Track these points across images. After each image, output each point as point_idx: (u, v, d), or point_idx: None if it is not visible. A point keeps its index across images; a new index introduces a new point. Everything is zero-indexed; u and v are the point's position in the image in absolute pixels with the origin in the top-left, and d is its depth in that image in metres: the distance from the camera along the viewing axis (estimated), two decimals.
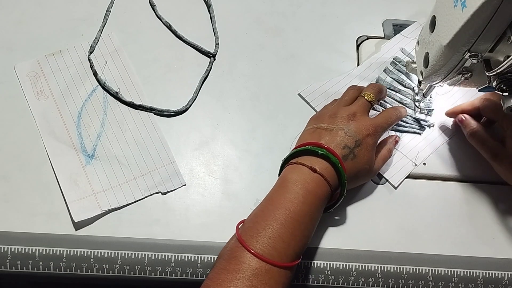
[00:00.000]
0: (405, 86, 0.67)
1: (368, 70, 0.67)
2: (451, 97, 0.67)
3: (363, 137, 0.54)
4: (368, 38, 0.71)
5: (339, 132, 0.54)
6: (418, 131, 0.64)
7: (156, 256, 0.54)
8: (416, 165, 0.62)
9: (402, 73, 0.67)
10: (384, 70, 0.67)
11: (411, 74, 0.67)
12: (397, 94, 0.66)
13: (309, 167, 0.51)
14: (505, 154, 0.58)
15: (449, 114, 0.64)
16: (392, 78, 0.67)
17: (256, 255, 0.46)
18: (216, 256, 0.54)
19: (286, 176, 0.52)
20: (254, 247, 0.46)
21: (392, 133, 0.63)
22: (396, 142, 0.62)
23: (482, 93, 0.60)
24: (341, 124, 0.55)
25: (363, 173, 0.55)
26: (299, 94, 0.65)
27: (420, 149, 0.63)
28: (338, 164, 0.52)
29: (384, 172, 0.61)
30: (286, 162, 0.55)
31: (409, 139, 0.64)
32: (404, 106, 0.63)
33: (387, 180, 0.61)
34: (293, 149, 0.55)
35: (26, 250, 0.54)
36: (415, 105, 0.65)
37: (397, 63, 0.68)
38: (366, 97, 0.58)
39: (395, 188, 0.61)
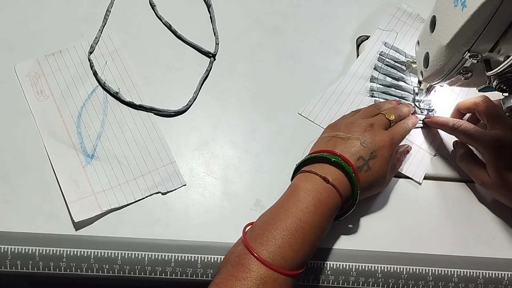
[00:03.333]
0: (398, 80, 0.67)
1: (359, 71, 0.67)
2: (451, 95, 0.67)
3: (378, 149, 0.54)
4: (368, 38, 0.71)
5: (355, 142, 0.53)
6: (421, 124, 0.65)
7: (156, 256, 0.54)
8: (433, 155, 0.62)
9: (391, 67, 0.67)
10: (375, 68, 0.67)
11: (401, 65, 0.68)
12: (394, 89, 0.66)
13: (322, 176, 0.51)
14: (490, 182, 0.57)
15: (432, 123, 0.64)
16: (384, 74, 0.67)
17: (265, 264, 0.46)
18: (216, 256, 0.55)
19: (298, 184, 0.51)
20: (263, 255, 0.46)
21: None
22: (408, 151, 0.62)
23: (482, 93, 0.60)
24: (358, 134, 0.54)
25: (376, 185, 0.55)
26: (299, 114, 0.64)
27: (430, 140, 0.64)
28: (352, 174, 0.51)
29: (404, 170, 0.61)
30: (299, 168, 0.54)
31: (416, 133, 0.64)
32: (416, 116, 0.63)
33: (410, 178, 0.61)
34: (307, 155, 0.54)
35: (26, 250, 0.54)
36: (415, 105, 0.65)
37: (384, 58, 0.68)
38: (386, 116, 0.58)
39: (420, 184, 0.61)
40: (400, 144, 0.59)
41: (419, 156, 0.63)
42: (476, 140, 0.58)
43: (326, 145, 0.55)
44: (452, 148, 0.64)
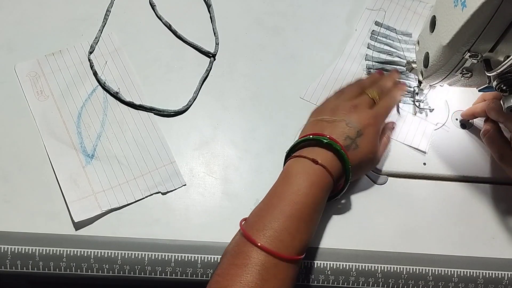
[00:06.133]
0: (392, 55, 0.69)
1: (354, 51, 0.69)
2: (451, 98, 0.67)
3: (364, 127, 0.54)
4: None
5: (340, 123, 0.54)
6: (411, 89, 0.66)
7: (156, 256, 0.54)
8: (435, 124, 0.64)
9: (385, 44, 0.70)
10: (368, 47, 0.69)
11: (394, 41, 0.70)
12: (389, 65, 0.68)
13: (311, 159, 0.51)
14: (511, 156, 0.57)
15: (465, 115, 0.65)
16: (378, 51, 0.69)
17: (263, 248, 0.46)
18: (216, 256, 0.55)
19: (289, 168, 0.52)
20: (261, 241, 0.46)
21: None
22: (393, 128, 0.62)
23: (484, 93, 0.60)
24: (342, 115, 0.55)
25: (366, 162, 0.56)
26: (302, 98, 0.65)
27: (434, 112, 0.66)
28: (341, 150, 0.52)
29: (409, 141, 0.63)
30: (289, 155, 0.55)
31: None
32: (402, 84, 0.63)
33: (416, 149, 0.63)
34: (296, 140, 0.55)
35: (26, 250, 0.54)
36: (415, 105, 0.65)
37: (376, 36, 0.70)
38: (370, 95, 0.58)
39: (425, 153, 0.62)
40: (386, 122, 0.60)
41: (422, 127, 0.64)
42: (506, 116, 0.58)
43: (313, 128, 0.55)
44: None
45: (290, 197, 0.49)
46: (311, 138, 0.53)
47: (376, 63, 0.68)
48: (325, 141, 0.52)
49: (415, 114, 0.65)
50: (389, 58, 0.69)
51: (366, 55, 0.69)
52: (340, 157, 0.52)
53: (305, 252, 0.50)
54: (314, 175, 0.51)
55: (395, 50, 0.69)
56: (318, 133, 0.54)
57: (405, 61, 0.67)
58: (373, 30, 0.70)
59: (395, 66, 0.68)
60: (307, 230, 0.49)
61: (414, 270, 0.56)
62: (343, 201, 0.59)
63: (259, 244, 0.46)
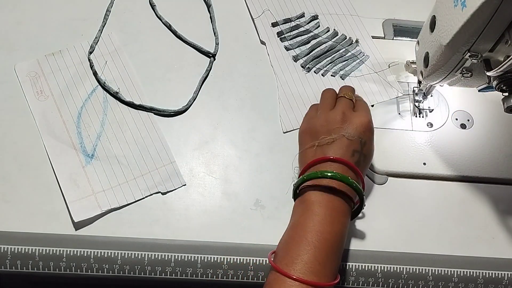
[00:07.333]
0: (309, 41, 0.69)
1: (282, 62, 0.67)
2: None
3: (363, 134, 0.54)
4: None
5: (342, 140, 0.53)
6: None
7: (156, 256, 0.54)
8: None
9: (296, 36, 0.69)
10: (286, 48, 0.68)
11: (299, 28, 0.70)
12: (316, 49, 0.69)
13: (328, 186, 0.51)
14: None
15: None
16: (298, 46, 0.69)
17: (298, 280, 0.45)
18: (216, 256, 0.55)
19: (309, 199, 0.51)
20: (294, 275, 0.45)
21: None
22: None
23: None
24: (338, 130, 0.53)
25: (370, 162, 0.57)
26: (285, 133, 0.63)
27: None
28: (354, 185, 0.51)
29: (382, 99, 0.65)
30: (298, 187, 0.53)
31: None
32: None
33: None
34: (301, 173, 0.54)
35: (26, 250, 0.54)
36: (415, 105, 0.65)
37: (284, 35, 0.69)
38: (347, 97, 0.57)
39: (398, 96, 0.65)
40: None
41: (383, 82, 0.66)
42: None
43: (315, 155, 0.54)
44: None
45: (315, 227, 0.48)
46: (319, 175, 0.51)
47: (306, 57, 0.68)
48: (329, 174, 0.50)
49: (415, 115, 0.65)
50: (310, 44, 0.69)
51: (292, 57, 0.68)
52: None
53: (337, 276, 0.49)
54: (336, 201, 0.50)
55: (307, 35, 0.69)
56: (323, 157, 0.52)
57: (323, 38, 0.68)
58: (277, 32, 0.69)
59: (320, 47, 0.69)
60: (336, 257, 0.49)
61: (414, 270, 0.56)
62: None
63: (293, 276, 0.45)
